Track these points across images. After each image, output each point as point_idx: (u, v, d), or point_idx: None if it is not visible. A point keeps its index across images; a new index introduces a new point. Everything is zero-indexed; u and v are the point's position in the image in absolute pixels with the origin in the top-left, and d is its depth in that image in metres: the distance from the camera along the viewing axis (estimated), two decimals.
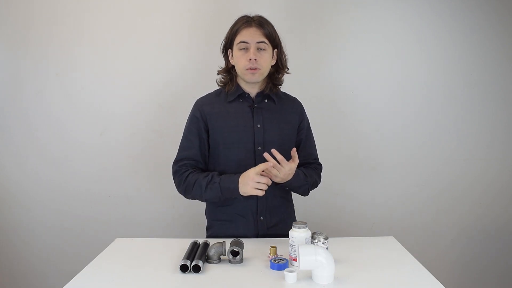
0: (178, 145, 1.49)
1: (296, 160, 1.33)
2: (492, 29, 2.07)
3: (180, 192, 1.45)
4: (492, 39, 2.08)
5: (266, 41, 1.40)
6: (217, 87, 1.54)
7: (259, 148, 1.43)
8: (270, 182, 1.29)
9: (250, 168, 1.37)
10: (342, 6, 2.05)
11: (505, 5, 2.06)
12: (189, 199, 1.45)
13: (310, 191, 1.54)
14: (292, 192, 1.55)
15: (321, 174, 1.58)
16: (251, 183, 1.28)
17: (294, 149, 1.34)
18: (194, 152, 1.45)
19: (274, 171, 1.29)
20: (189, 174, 1.41)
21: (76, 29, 2.03)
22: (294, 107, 1.54)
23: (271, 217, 1.46)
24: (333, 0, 2.05)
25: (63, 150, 2.09)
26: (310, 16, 2.05)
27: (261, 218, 1.44)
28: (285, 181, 1.35)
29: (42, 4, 2.02)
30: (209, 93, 1.53)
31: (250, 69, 1.39)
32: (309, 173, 1.48)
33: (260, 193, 1.28)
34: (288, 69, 1.52)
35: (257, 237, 1.45)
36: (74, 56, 2.05)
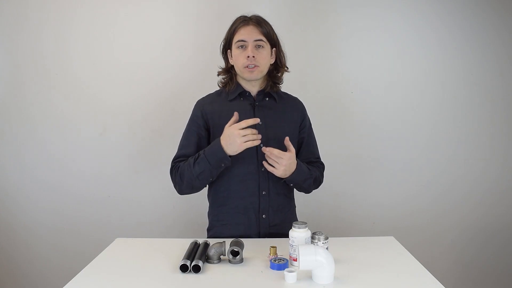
0: (178, 145, 1.49)
1: (292, 149, 1.33)
2: (493, 29, 2.07)
3: (177, 188, 1.42)
4: (492, 39, 2.08)
5: (264, 39, 1.42)
6: (217, 88, 1.55)
7: (261, 145, 1.41)
8: (256, 131, 1.28)
9: (252, 167, 1.40)
10: (342, 5, 2.05)
11: (505, 4, 2.06)
12: (186, 193, 1.41)
13: (313, 191, 1.54)
14: (295, 190, 1.54)
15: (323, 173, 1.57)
16: (238, 139, 1.26)
17: (287, 138, 1.34)
18: (191, 151, 1.44)
19: (273, 163, 1.31)
20: (180, 166, 1.40)
21: (76, 30, 2.03)
22: (295, 105, 1.55)
23: (274, 215, 1.45)
24: (333, 0, 2.05)
25: (63, 150, 2.09)
26: (310, 16, 2.05)
27: (263, 216, 1.44)
28: (289, 173, 1.35)
29: (42, 2, 2.02)
30: (210, 94, 1.55)
31: (248, 67, 1.40)
32: (312, 168, 1.49)
33: (251, 144, 1.27)
34: (287, 68, 1.52)
35: (259, 235, 1.44)
36: (74, 56, 2.05)
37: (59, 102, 2.07)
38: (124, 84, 2.06)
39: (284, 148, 1.34)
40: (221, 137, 1.31)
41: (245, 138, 1.26)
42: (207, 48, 2.00)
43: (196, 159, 1.35)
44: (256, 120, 1.28)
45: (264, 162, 1.34)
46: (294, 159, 1.35)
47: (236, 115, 1.31)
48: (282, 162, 1.31)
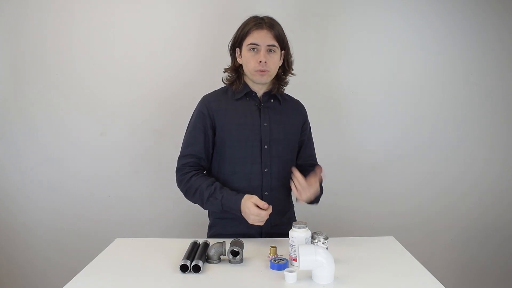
0: (178, 145, 1.49)
1: (319, 178, 1.35)
2: (493, 29, 2.07)
3: (181, 191, 1.46)
4: (492, 39, 2.08)
5: (276, 44, 1.43)
6: (219, 87, 1.55)
7: (265, 146, 1.45)
8: (270, 212, 1.30)
9: (255, 167, 1.42)
10: (342, 6, 2.05)
11: (505, 4, 2.06)
12: (189, 200, 1.45)
13: None
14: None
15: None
16: (252, 216, 1.29)
17: (321, 169, 1.37)
18: (198, 149, 1.45)
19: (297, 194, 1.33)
20: (192, 176, 1.42)
21: (76, 30, 2.03)
22: (298, 109, 1.58)
23: (276, 214, 1.44)
24: (333, 0, 2.05)
25: (63, 150, 2.09)
26: (310, 16, 2.05)
27: None
28: (311, 199, 1.37)
29: (42, 2, 2.01)
30: (216, 90, 1.55)
31: (260, 71, 1.41)
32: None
33: (261, 224, 1.31)
34: (292, 70, 1.54)
35: (261, 234, 1.46)
36: (74, 56, 2.04)
37: (59, 102, 2.07)
38: (124, 84, 2.06)
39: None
40: (243, 201, 1.32)
41: (256, 220, 1.29)
42: (208, 48, 2.00)
43: (211, 196, 1.37)
44: (268, 206, 1.30)
45: (292, 185, 1.35)
46: (318, 188, 1.36)
47: (269, 208, 1.30)
48: (306, 192, 1.33)
